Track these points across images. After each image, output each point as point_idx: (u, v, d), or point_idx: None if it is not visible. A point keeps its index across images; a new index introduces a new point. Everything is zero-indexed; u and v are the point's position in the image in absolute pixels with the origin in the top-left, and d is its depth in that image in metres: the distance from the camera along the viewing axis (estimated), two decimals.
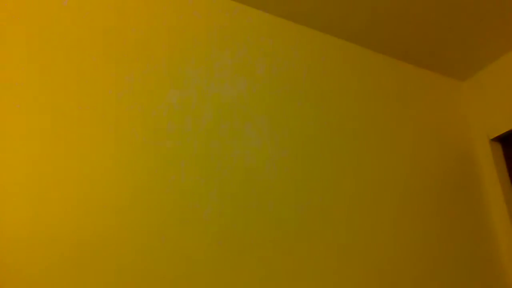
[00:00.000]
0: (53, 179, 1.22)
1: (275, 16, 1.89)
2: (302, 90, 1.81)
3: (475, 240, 1.93)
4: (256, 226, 1.47)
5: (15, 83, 1.27)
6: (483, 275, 1.87)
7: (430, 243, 1.80)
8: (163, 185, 1.37)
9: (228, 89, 1.64)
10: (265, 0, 1.81)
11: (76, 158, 1.27)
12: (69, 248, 1.16)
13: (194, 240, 1.34)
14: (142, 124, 1.42)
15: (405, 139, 1.98)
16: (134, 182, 1.33)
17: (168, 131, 1.45)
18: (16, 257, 1.10)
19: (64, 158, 1.25)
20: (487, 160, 2.13)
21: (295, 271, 1.46)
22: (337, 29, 1.98)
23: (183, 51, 1.60)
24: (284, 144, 1.66)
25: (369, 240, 1.66)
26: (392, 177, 1.85)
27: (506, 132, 2.08)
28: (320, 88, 1.86)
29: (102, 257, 1.19)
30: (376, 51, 2.12)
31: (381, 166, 1.85)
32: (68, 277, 1.14)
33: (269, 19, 1.87)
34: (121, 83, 1.44)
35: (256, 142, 1.60)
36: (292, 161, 1.64)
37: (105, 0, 1.53)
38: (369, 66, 2.06)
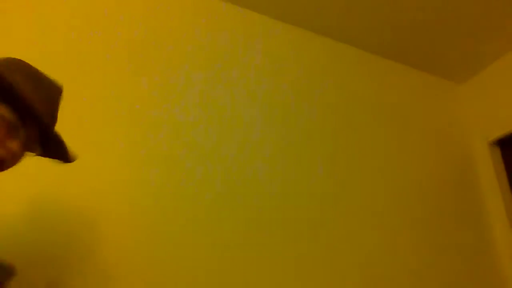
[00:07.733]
0: (53, 180, 1.21)
1: (277, 20, 1.90)
2: (301, 92, 1.81)
3: (474, 243, 1.94)
4: (257, 227, 1.46)
5: None
6: (483, 278, 1.87)
7: (430, 246, 1.79)
8: (164, 186, 1.36)
9: (231, 91, 1.63)
10: (269, 6, 1.82)
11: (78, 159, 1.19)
12: (69, 248, 1.15)
13: (194, 241, 1.34)
14: (143, 123, 1.41)
15: (403, 142, 1.98)
16: (134, 182, 1.32)
17: (168, 131, 1.45)
18: (15, 257, 1.07)
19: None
20: (486, 163, 2.13)
21: (298, 272, 1.45)
22: (336, 33, 2.00)
23: (185, 54, 1.60)
24: (282, 148, 1.65)
25: (366, 245, 1.65)
26: (390, 181, 1.85)
27: (505, 134, 2.09)
28: (319, 90, 1.88)
29: (102, 257, 1.19)
30: (375, 54, 2.12)
31: (379, 170, 1.85)
32: (68, 277, 1.13)
33: (272, 23, 1.88)
34: (121, 84, 1.43)
35: (256, 145, 1.60)
36: (291, 164, 1.64)
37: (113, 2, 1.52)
38: (368, 69, 2.07)
